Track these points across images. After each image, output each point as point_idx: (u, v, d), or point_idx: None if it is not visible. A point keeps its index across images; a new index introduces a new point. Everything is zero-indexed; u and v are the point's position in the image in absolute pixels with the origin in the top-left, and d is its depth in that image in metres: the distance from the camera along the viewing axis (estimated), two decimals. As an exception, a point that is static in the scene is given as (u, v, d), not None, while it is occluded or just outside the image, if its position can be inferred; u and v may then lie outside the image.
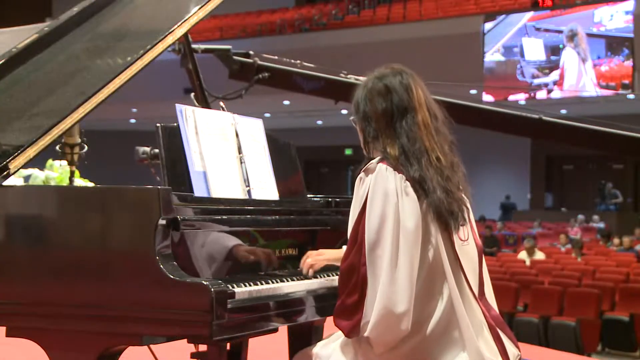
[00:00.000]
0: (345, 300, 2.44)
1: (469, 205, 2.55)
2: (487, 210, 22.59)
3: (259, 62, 8.55)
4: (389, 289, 2.36)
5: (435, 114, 2.58)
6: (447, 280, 2.44)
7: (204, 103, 4.30)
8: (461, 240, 2.49)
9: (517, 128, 10.08)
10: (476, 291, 2.50)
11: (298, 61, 9.64)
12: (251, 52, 8.70)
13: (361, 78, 9.59)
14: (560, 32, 17.79)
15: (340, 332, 2.56)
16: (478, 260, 2.56)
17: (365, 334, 2.40)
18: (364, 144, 2.61)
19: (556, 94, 18.18)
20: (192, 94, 4.48)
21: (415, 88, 2.57)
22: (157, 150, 3.24)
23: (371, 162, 2.51)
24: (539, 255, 13.17)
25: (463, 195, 2.53)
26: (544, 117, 9.51)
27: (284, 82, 9.55)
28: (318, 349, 2.61)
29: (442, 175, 2.48)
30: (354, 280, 2.42)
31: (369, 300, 2.39)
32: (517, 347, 2.56)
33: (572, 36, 17.49)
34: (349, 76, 9.40)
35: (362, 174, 2.50)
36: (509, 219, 22.22)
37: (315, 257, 2.78)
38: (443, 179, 2.47)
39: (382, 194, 2.42)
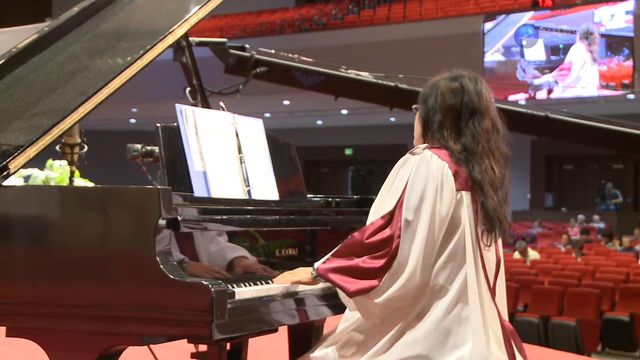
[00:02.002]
0: (369, 263, 2.46)
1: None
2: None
3: (257, 56, 8.45)
4: (415, 266, 2.43)
5: (498, 128, 2.62)
6: (467, 268, 2.48)
7: (204, 101, 4.30)
8: (484, 244, 2.52)
9: (522, 126, 10.02)
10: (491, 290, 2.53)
11: (296, 55, 9.57)
12: (247, 46, 8.60)
13: (362, 73, 9.51)
14: (561, 31, 17.78)
15: (335, 336, 2.58)
16: (495, 269, 2.57)
17: (383, 298, 2.45)
18: (424, 132, 2.63)
19: (557, 92, 18.18)
20: (187, 89, 4.46)
21: (485, 95, 2.62)
22: (149, 148, 3.25)
23: (418, 147, 2.56)
24: (533, 255, 13.23)
25: (507, 210, 2.58)
26: (550, 115, 9.47)
27: (282, 77, 9.44)
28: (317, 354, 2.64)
29: (493, 184, 2.53)
30: (386, 250, 2.46)
31: (394, 271, 2.44)
32: (524, 357, 2.56)
33: (588, 35, 17.46)
34: (349, 71, 9.34)
35: (407, 155, 2.55)
36: None
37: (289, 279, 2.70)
38: (494, 189, 2.53)
39: (425, 175, 2.48)
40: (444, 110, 2.58)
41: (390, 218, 2.49)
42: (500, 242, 2.62)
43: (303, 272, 2.64)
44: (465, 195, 2.51)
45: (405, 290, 2.45)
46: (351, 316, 2.64)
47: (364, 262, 2.47)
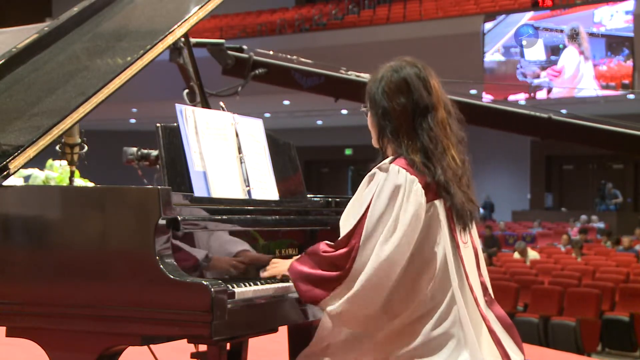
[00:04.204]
0: (326, 274, 2.46)
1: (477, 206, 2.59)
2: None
3: (255, 58, 8.40)
4: (367, 280, 2.40)
5: (450, 110, 2.57)
6: (450, 281, 2.47)
7: (204, 101, 4.30)
8: (463, 242, 2.51)
9: (524, 127, 9.97)
10: (478, 294, 2.52)
11: (294, 57, 9.52)
12: (244, 47, 8.55)
13: (363, 74, 9.38)
14: (561, 31, 17.78)
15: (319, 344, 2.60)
16: (475, 262, 2.57)
17: (334, 308, 2.45)
18: (379, 140, 2.59)
19: (556, 92, 18.18)
20: (185, 91, 4.45)
21: (433, 83, 2.55)
22: (145, 151, 3.25)
23: (384, 162, 2.51)
24: (533, 255, 13.24)
25: (473, 195, 2.56)
26: (554, 117, 9.42)
27: (281, 79, 9.38)
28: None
29: (457, 176, 2.50)
30: (341, 265, 2.45)
31: (347, 285, 2.43)
32: (522, 351, 2.56)
33: (574, 35, 17.46)
34: (349, 72, 9.30)
35: (375, 170, 2.51)
36: (490, 218, 22.35)
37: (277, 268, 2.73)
38: (458, 179, 2.50)
39: (390, 191, 2.44)
40: (395, 115, 2.52)
41: (350, 236, 2.46)
42: (474, 230, 2.60)
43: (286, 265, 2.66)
44: (439, 204, 2.49)
45: (355, 304, 2.43)
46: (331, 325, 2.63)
47: (323, 272, 2.48)
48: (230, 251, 2.69)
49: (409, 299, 2.47)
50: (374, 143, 2.63)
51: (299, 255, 2.61)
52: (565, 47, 17.79)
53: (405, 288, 2.47)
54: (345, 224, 2.54)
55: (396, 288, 2.45)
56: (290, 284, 2.68)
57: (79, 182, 5.10)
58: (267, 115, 22.23)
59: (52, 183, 5.26)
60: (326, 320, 2.61)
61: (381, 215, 2.43)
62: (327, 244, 2.52)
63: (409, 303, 2.46)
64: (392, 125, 2.53)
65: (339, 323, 2.51)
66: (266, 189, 3.03)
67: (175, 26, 3.08)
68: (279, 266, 2.69)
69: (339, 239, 2.50)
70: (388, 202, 2.43)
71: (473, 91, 17.25)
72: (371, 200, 2.45)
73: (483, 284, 2.56)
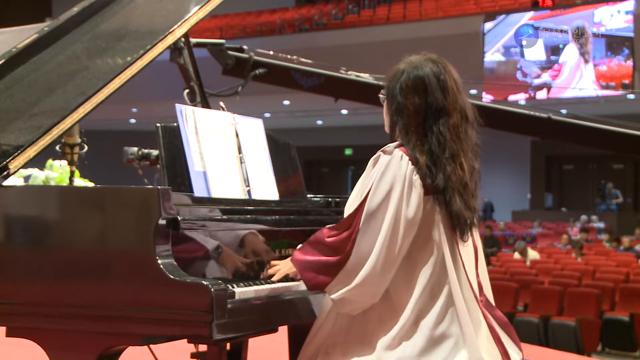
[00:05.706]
0: (327, 260, 2.49)
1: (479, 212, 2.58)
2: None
3: (255, 58, 8.40)
4: (373, 265, 2.42)
5: (467, 115, 2.56)
6: (449, 278, 2.47)
7: (204, 101, 4.30)
8: (462, 240, 2.51)
9: (524, 127, 9.95)
10: (477, 291, 2.52)
11: (294, 57, 9.52)
12: (245, 47, 8.56)
13: (363, 74, 9.35)
14: (561, 31, 17.78)
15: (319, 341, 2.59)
16: (474, 260, 2.57)
17: (337, 295, 2.48)
18: (390, 129, 2.60)
19: (556, 92, 18.18)
20: (185, 91, 4.45)
21: (451, 86, 2.54)
22: (145, 151, 3.25)
23: (389, 145, 2.53)
24: (533, 255, 13.24)
25: (476, 203, 2.55)
26: (553, 117, 9.42)
27: (281, 79, 9.38)
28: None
29: (462, 183, 2.49)
30: (341, 249, 2.47)
31: (349, 270, 2.45)
32: (520, 349, 2.56)
33: (579, 35, 17.42)
34: (349, 72, 9.30)
35: (379, 153, 2.52)
36: (490, 218, 22.41)
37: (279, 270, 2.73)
38: (462, 187, 2.49)
39: (392, 177, 2.46)
40: (407, 113, 2.52)
41: (352, 219, 2.48)
42: (475, 231, 2.60)
43: (289, 264, 2.67)
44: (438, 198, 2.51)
45: (363, 289, 2.45)
46: (330, 318, 2.63)
47: (324, 258, 2.50)
48: (238, 234, 2.68)
49: (406, 289, 2.48)
50: (386, 129, 2.64)
51: (301, 245, 2.62)
52: (565, 46, 17.78)
53: (402, 277, 2.48)
54: (350, 206, 2.55)
55: (394, 277, 2.48)
56: (291, 283, 2.68)
57: (79, 182, 5.11)
58: (267, 115, 22.23)
59: (52, 183, 5.27)
60: (321, 318, 2.62)
61: (382, 199, 2.45)
62: (329, 228, 2.54)
63: (408, 294, 2.47)
64: (404, 122, 2.54)
65: (342, 309, 2.52)
66: (266, 189, 3.03)
67: (175, 26, 3.08)
68: (280, 268, 2.69)
69: (342, 220, 2.53)
70: (390, 186, 2.45)
71: (473, 91, 17.23)
72: (373, 182, 2.47)
73: (479, 284, 2.56)
